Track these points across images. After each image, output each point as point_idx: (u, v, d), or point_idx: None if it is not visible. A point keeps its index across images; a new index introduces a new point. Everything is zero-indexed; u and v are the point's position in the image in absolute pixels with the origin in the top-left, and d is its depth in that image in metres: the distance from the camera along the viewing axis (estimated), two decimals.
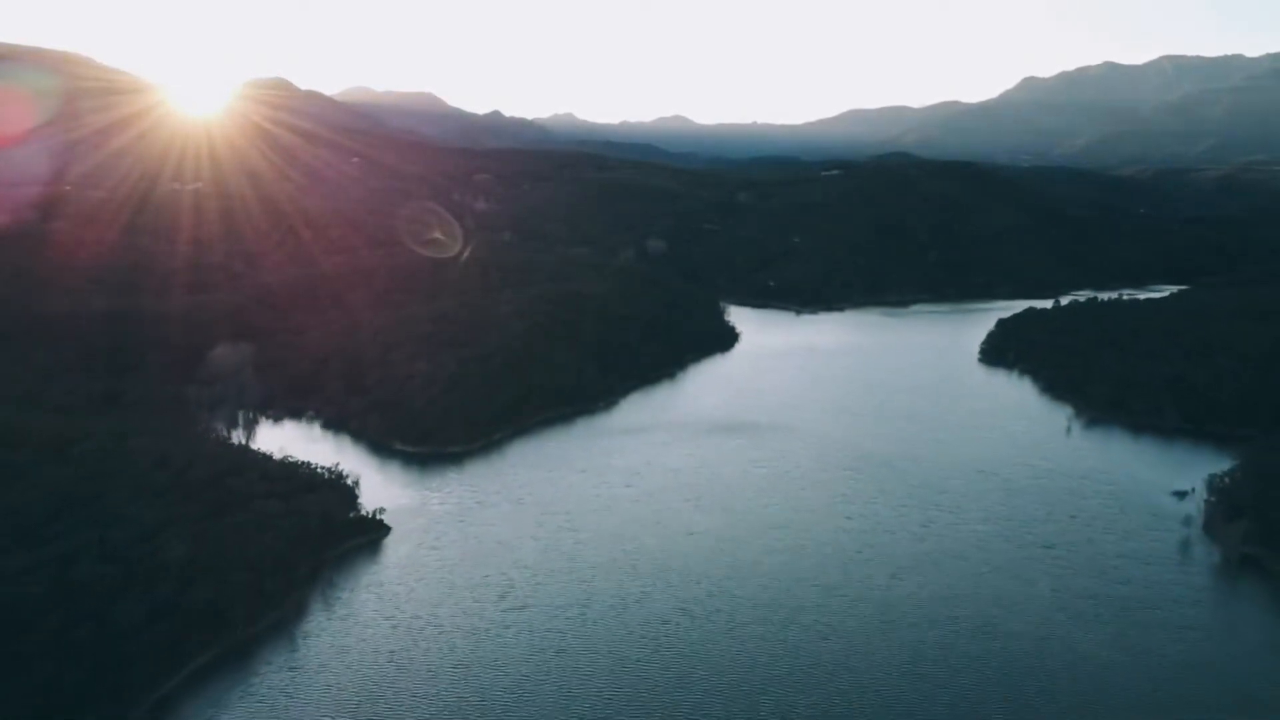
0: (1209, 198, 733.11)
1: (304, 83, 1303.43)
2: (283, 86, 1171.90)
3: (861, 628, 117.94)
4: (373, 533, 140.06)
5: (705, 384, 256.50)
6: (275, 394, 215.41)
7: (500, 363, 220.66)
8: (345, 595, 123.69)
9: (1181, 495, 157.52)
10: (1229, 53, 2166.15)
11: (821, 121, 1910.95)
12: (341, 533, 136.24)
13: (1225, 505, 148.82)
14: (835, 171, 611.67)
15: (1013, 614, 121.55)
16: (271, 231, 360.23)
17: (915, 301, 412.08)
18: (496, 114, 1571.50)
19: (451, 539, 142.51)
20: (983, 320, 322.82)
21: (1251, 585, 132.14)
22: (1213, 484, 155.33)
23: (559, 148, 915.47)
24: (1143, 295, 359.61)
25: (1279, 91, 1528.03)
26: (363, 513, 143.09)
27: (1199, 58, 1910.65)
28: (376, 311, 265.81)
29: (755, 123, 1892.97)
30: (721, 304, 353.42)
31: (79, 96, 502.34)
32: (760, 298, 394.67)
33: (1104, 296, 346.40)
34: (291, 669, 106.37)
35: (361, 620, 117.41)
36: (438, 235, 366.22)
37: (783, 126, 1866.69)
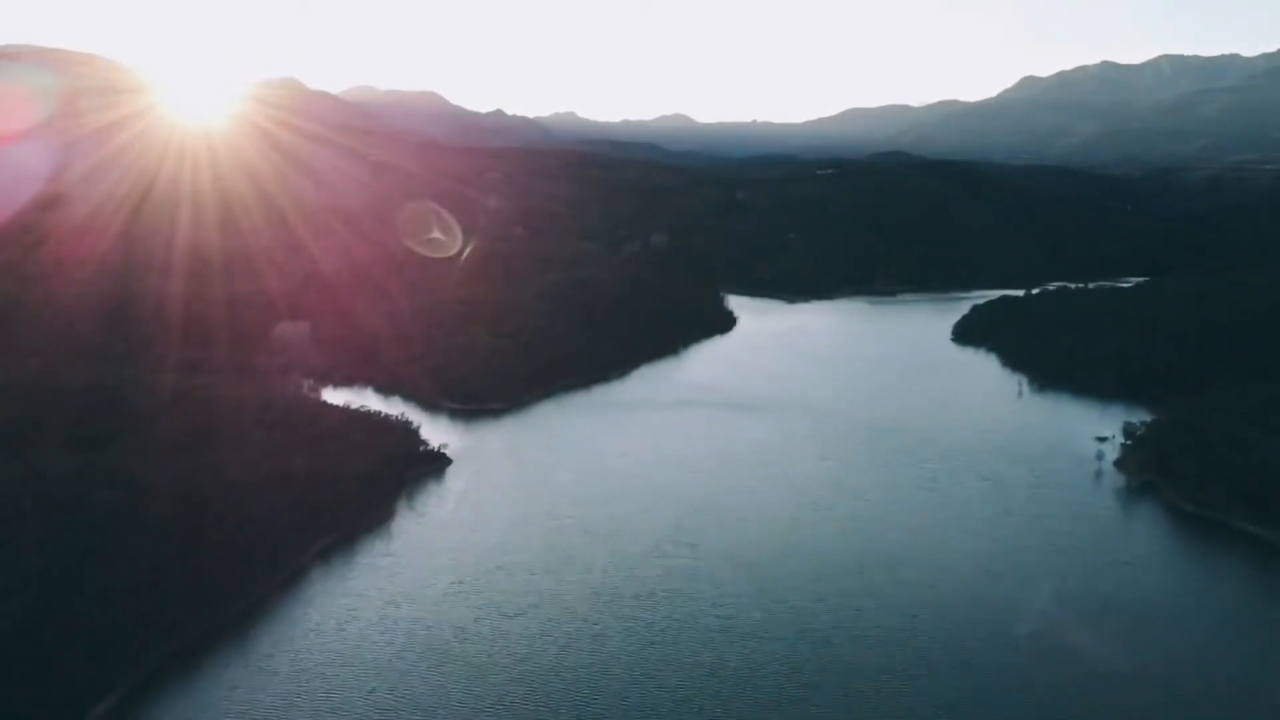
0: (1195, 195, 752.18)
1: (310, 82, 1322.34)
2: (293, 87, 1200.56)
3: (824, 525, 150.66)
4: (438, 463, 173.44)
5: (706, 360, 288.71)
6: (334, 364, 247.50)
7: (528, 338, 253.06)
8: (424, 504, 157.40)
9: (1103, 440, 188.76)
10: (1226, 52, 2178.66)
11: (821, 120, 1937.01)
12: (415, 461, 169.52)
13: (1134, 446, 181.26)
14: (829, 170, 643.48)
15: (946, 522, 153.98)
16: (304, 226, 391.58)
17: (901, 292, 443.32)
18: (499, 113, 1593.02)
19: (501, 470, 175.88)
20: (960, 308, 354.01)
21: (1143, 503, 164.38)
22: (1127, 430, 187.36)
23: (562, 146, 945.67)
24: (1109, 286, 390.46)
25: (1273, 91, 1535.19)
26: (430, 448, 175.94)
27: (1196, 57, 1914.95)
28: (414, 296, 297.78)
29: (755, 121, 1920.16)
30: (720, 293, 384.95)
31: (104, 94, 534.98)
32: (756, 288, 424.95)
33: (1073, 287, 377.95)
34: (389, 555, 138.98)
35: (438, 521, 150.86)
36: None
37: (783, 125, 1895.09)
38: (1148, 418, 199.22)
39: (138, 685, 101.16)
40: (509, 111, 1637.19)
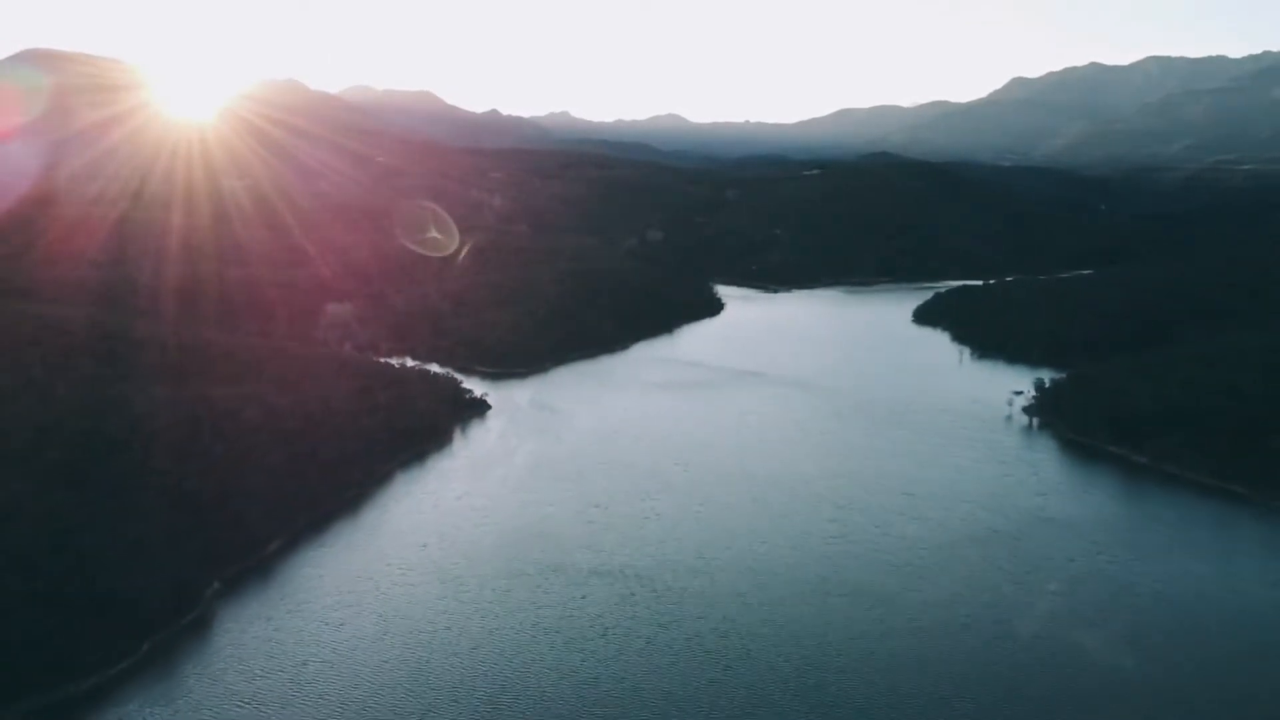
0: (1172, 195, 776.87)
1: (309, 83, 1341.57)
2: (296, 88, 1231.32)
3: (784, 454, 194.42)
4: (481, 408, 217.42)
5: (696, 338, 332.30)
6: (377, 338, 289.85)
7: (544, 316, 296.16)
8: (473, 435, 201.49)
9: (1018, 394, 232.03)
10: (1212, 54, 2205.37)
11: (812, 121, 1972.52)
12: (462, 405, 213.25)
13: (1040, 396, 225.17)
14: (815, 171, 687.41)
15: (881, 452, 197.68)
16: (323, 223, 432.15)
17: (877, 282, 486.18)
18: (494, 113, 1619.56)
19: (530, 416, 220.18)
20: (926, 295, 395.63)
21: (1040, 438, 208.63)
22: (1036, 385, 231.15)
23: (559, 147, 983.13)
24: (1064, 276, 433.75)
25: (1257, 92, 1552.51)
26: (473, 396, 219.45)
27: (1183, 59, 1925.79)
28: (441, 281, 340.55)
29: (748, 121, 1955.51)
30: (710, 282, 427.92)
31: (109, 91, 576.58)
32: (744, 278, 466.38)
33: (1027, 277, 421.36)
34: (453, 468, 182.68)
35: (485, 447, 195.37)
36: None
37: (775, 125, 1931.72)
38: (1059, 377, 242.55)
39: (291, 537, 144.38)
40: (504, 111, 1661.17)
